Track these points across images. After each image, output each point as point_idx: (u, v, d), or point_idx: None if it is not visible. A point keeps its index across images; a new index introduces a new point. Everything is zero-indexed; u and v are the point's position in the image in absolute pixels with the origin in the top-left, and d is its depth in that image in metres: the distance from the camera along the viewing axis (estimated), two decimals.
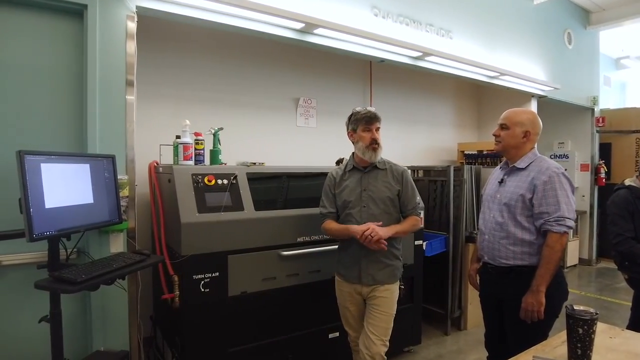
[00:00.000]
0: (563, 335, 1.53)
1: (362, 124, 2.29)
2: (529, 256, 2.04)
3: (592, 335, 1.36)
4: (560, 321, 1.70)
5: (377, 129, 2.32)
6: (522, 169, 2.11)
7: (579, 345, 1.37)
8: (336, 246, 2.49)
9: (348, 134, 2.39)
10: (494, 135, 2.22)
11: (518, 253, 2.06)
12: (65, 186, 1.90)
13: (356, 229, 2.21)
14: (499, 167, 2.32)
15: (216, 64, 3.63)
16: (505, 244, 2.09)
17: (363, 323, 2.34)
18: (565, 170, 2.10)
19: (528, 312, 1.96)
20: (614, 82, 8.03)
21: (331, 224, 2.36)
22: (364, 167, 2.35)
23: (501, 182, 2.19)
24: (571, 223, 1.98)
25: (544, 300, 1.95)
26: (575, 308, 1.40)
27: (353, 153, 2.42)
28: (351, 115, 2.36)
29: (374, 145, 2.29)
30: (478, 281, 2.37)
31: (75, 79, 2.37)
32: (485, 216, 2.25)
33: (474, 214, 3.94)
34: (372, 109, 2.33)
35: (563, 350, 1.47)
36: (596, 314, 1.37)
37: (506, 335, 2.18)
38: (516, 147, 2.14)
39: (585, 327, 1.35)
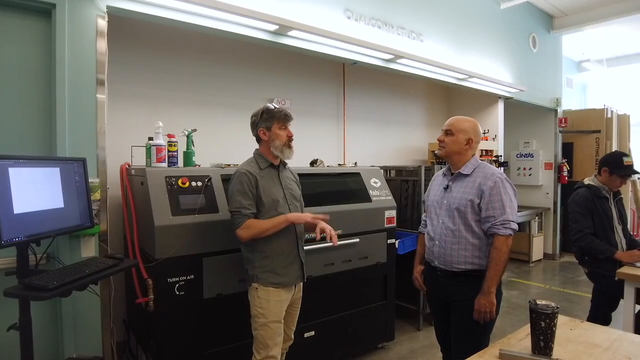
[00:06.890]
0: (527, 328, 1.61)
1: (279, 122, 2.22)
2: (478, 259, 2.12)
3: (554, 328, 1.45)
4: (518, 315, 1.80)
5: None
6: (467, 175, 2.18)
7: (541, 337, 1.45)
8: (317, 245, 2.44)
9: (259, 131, 2.25)
10: (439, 140, 2.26)
11: (469, 257, 2.12)
12: (34, 191, 1.86)
13: (311, 218, 2.16)
14: (441, 173, 2.38)
15: (189, 64, 3.60)
16: (457, 249, 2.14)
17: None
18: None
19: (481, 312, 2.04)
20: (575, 84, 8.40)
21: (258, 221, 2.13)
22: (277, 165, 2.30)
23: (446, 188, 2.24)
24: (515, 226, 2.08)
25: (495, 301, 2.05)
26: (537, 302, 1.48)
27: (258, 152, 2.31)
28: (262, 112, 2.24)
29: (290, 143, 2.25)
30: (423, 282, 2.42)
31: (43, 79, 2.31)
32: (433, 222, 2.27)
33: None
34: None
35: (527, 343, 1.55)
36: (557, 308, 1.45)
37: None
38: (459, 154, 2.20)
39: (547, 320, 1.43)
